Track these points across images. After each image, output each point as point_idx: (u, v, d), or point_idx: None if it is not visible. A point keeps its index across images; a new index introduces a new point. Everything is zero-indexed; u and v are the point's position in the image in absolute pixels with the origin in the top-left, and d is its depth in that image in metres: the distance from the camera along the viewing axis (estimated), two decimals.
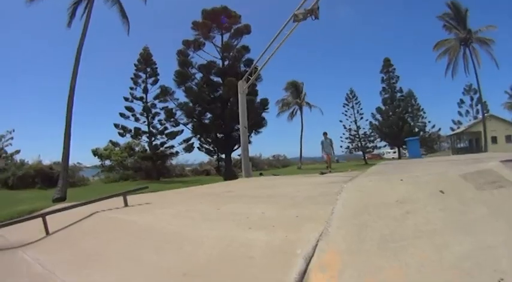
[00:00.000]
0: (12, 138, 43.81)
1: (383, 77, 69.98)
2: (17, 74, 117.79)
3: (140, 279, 4.46)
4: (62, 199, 20.85)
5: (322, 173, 17.41)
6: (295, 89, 71.68)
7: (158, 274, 4.49)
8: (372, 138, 74.01)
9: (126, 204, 9.55)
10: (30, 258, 6.36)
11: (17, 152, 44.26)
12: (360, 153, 75.85)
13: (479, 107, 63.91)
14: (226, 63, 43.48)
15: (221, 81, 41.93)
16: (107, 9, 28.21)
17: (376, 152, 77.97)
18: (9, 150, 44.19)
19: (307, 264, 3.82)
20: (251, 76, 23.84)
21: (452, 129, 71.51)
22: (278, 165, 72.49)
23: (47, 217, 8.27)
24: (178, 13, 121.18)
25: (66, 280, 4.85)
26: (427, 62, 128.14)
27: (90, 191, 29.19)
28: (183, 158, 51.59)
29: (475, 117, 69.12)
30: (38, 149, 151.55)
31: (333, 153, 23.78)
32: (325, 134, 22.12)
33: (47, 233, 8.02)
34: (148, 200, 10.15)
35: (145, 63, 47.41)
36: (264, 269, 3.90)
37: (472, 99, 72.86)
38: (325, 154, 22.46)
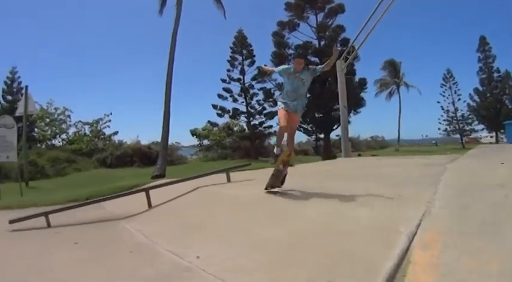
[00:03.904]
0: (110, 120, 45.94)
1: (479, 56, 65.64)
2: (116, 58, 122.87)
3: (246, 248, 4.61)
4: (161, 176, 21.41)
5: (269, 188, 7.42)
6: (393, 68, 69.24)
7: (264, 244, 4.64)
8: (470, 121, 69.51)
9: (229, 180, 9.82)
10: (133, 229, 6.66)
11: (115, 133, 46.57)
12: (457, 136, 71.70)
13: None
14: (322, 43, 43.25)
15: (318, 61, 41.45)
16: None
17: (473, 135, 73.27)
18: (108, 131, 46.56)
19: (410, 242, 3.87)
20: (349, 55, 23.57)
21: None
22: (376, 147, 71.42)
23: (150, 191, 8.66)
24: None
25: (170, 249, 5.01)
26: None
27: (188, 169, 29.82)
28: None
29: None
30: (136, 130, 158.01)
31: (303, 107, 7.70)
32: (298, 54, 7.95)
33: (150, 206, 8.37)
34: (250, 176, 10.28)
35: (241, 45, 47.99)
36: (368, 245, 4.01)
37: None
38: (288, 112, 7.31)
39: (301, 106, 7.51)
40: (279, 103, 7.69)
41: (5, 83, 44.33)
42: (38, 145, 41.87)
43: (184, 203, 8.15)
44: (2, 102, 43.33)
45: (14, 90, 43.94)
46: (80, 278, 4.29)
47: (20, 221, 7.60)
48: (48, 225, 7.60)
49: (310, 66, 7.59)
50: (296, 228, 5.03)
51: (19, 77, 44.88)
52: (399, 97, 69.31)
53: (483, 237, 3.76)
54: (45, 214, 7.75)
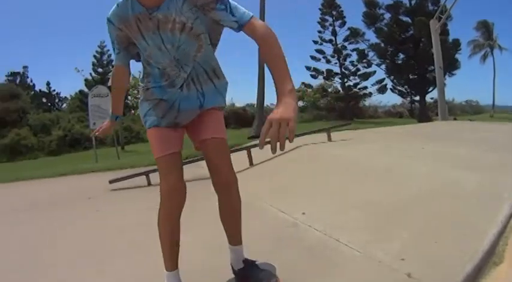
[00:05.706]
0: None
1: None
2: None
3: (348, 208, 4.51)
4: (257, 136, 21.39)
5: None
6: (486, 29, 65.04)
7: (365, 205, 4.50)
8: None
9: (329, 139, 9.72)
10: None
11: None
12: None
13: None
14: (413, 2, 41.83)
15: (410, 21, 40.51)
16: None
17: None
18: None
19: None
20: (442, 14, 22.42)
21: None
22: (470, 112, 68.69)
23: (251, 150, 8.86)
24: None
25: (274, 205, 5.09)
26: None
27: None
28: (376, 100, 51.57)
29: None
30: (231, 93, 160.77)
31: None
32: None
33: (251, 164, 8.61)
34: (348, 137, 10.18)
35: (330, 6, 47.43)
36: (471, 209, 3.81)
37: None
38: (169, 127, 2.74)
39: (211, 89, 2.75)
40: (140, 107, 2.83)
41: (95, 56, 46.82)
42: (132, 112, 43.81)
43: (286, 161, 8.17)
44: (93, 74, 45.51)
45: (104, 62, 46.16)
46: (189, 230, 4.41)
47: (120, 180, 7.93)
48: (149, 184, 7.90)
49: None
50: (397, 189, 4.87)
51: (108, 50, 47.30)
52: (493, 60, 65.29)
53: None
54: (146, 173, 8.02)
